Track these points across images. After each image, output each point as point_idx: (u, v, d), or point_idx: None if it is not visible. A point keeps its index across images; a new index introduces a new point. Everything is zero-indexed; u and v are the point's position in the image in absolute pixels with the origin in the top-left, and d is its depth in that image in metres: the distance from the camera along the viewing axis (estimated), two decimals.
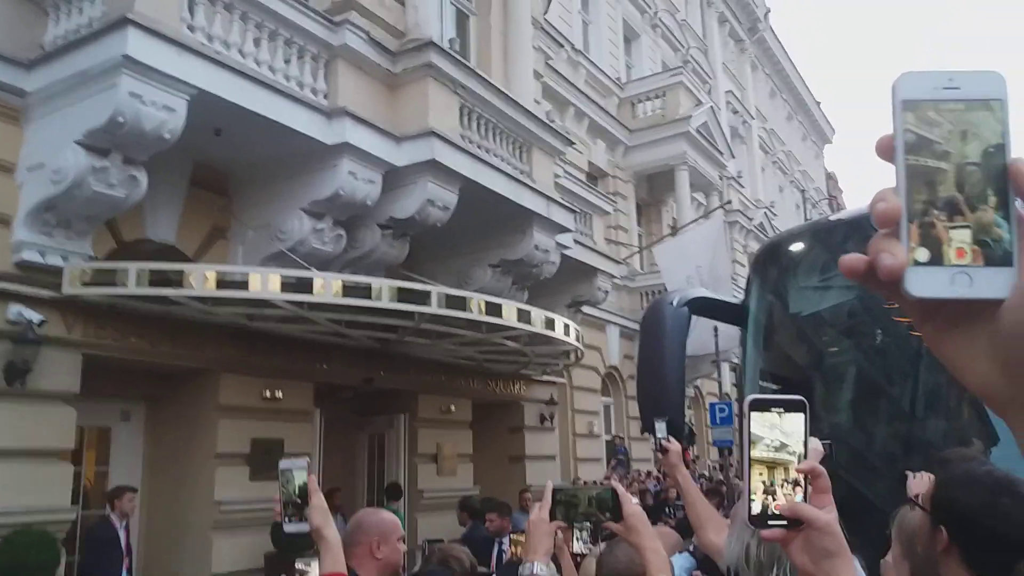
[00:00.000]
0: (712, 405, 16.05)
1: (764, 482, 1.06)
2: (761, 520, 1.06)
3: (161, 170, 7.41)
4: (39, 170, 6.80)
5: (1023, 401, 0.57)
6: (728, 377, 17.73)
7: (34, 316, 6.70)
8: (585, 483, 13.69)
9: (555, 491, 2.05)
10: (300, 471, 2.27)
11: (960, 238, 0.57)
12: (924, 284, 0.57)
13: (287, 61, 8.16)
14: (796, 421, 1.09)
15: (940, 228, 0.57)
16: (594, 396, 15.99)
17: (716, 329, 12.89)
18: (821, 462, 1.09)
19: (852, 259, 0.59)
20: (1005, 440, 3.63)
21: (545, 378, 13.49)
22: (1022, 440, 0.59)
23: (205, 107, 7.03)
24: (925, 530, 1.88)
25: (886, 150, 0.60)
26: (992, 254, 0.57)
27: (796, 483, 1.06)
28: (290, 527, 2.24)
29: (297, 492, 2.24)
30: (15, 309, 6.68)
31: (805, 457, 1.08)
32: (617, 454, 15.32)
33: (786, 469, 1.07)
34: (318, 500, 2.24)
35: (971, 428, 4.15)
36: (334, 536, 2.26)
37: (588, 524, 2.16)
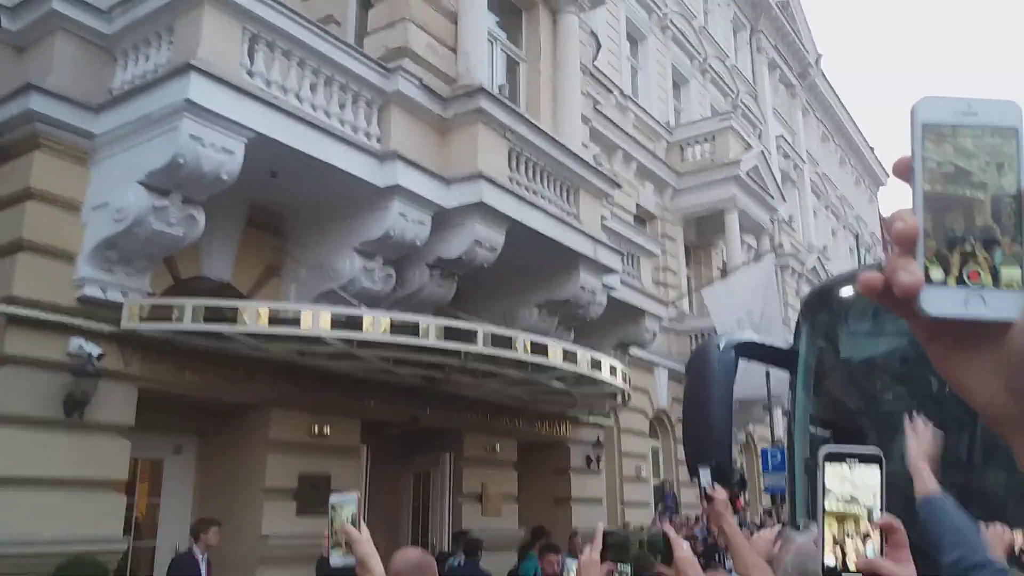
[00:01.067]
0: (764, 451, 15.76)
1: (835, 534, 1.06)
2: (835, 573, 1.05)
3: (218, 210, 7.64)
4: (103, 209, 7.08)
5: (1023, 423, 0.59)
6: (781, 422, 17.36)
7: (94, 350, 6.92)
8: (642, 529, 13.47)
9: (606, 533, 2.06)
10: (349, 505, 2.32)
11: (975, 260, 0.59)
12: (939, 303, 0.58)
13: (342, 106, 8.40)
14: (869, 474, 1.08)
15: (956, 249, 0.59)
16: (642, 439, 15.79)
17: (768, 374, 12.68)
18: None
19: (870, 276, 0.61)
20: None
21: (592, 420, 13.38)
22: (1022, 462, 0.61)
23: (262, 149, 7.26)
24: None
25: (904, 171, 0.62)
26: (1008, 278, 0.58)
27: (866, 536, 1.05)
28: (336, 559, 2.28)
29: (346, 525, 2.30)
30: (76, 342, 6.90)
31: (882, 511, 1.07)
32: (665, 499, 15.06)
33: (856, 522, 1.06)
34: (364, 533, 2.28)
35: None
36: (379, 569, 2.29)
37: (628, 566, 2.16)
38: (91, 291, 7.10)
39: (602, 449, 13.76)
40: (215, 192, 7.19)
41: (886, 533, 1.05)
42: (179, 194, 7.05)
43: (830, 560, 1.06)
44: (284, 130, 7.40)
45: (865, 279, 0.61)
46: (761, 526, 13.25)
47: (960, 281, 0.58)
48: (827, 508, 1.07)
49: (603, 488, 14.10)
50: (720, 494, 2.88)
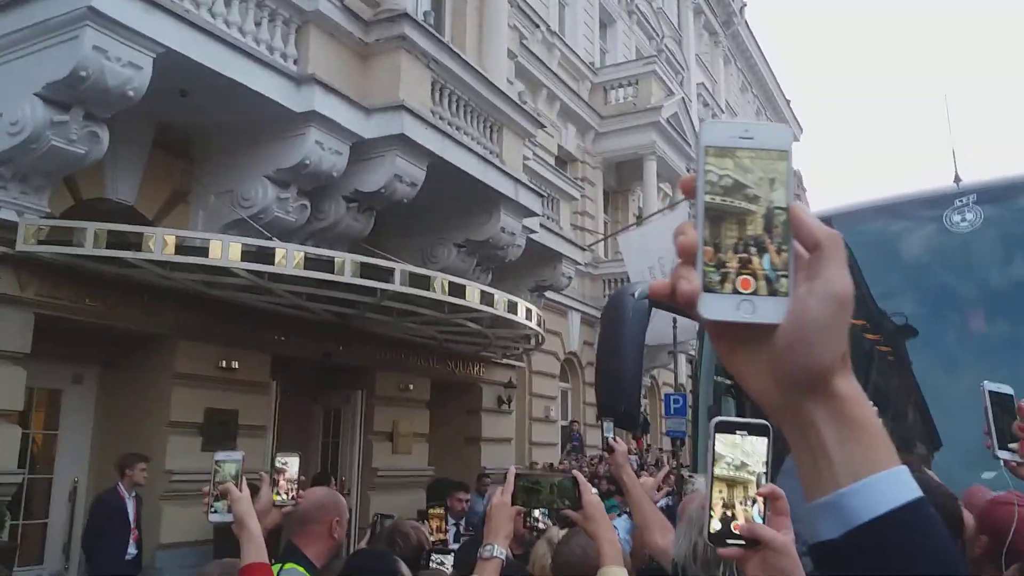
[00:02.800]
0: (667, 396, 16.25)
1: (724, 499, 1.10)
2: (720, 538, 1.09)
3: (123, 129, 7.24)
4: None
5: (792, 409, 0.66)
6: (684, 368, 17.94)
7: None
8: (543, 468, 13.82)
9: (517, 476, 2.08)
10: (233, 463, 2.42)
11: (748, 268, 0.65)
12: (714, 308, 0.65)
13: (258, 24, 8.01)
14: (758, 443, 1.12)
15: (731, 260, 0.65)
16: (552, 381, 16.09)
17: (675, 320, 13.02)
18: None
19: (657, 284, 0.68)
20: (948, 445, 3.74)
21: (505, 361, 13.52)
22: (792, 447, 0.69)
23: (171, 66, 6.88)
24: (971, 532, 2.04)
25: (689, 188, 0.67)
26: (772, 286, 0.65)
27: (753, 501, 1.09)
28: (215, 517, 2.38)
29: (228, 483, 2.37)
30: None
31: (768, 480, 1.11)
32: (572, 439, 15.46)
33: (745, 488, 1.10)
34: (245, 493, 2.36)
35: (915, 432, 4.26)
36: (256, 528, 2.32)
37: (542, 511, 2.20)
38: None
39: (514, 390, 13.96)
40: (120, 109, 6.79)
41: (769, 501, 1.09)
42: (81, 109, 6.63)
43: (716, 524, 1.10)
44: (196, 46, 7.02)
45: (653, 287, 0.68)
46: (657, 465, 13.80)
47: (734, 289, 0.65)
48: (716, 474, 1.11)
49: (513, 429, 14.35)
50: (621, 446, 2.96)
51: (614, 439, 3.14)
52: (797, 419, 0.67)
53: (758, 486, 1.11)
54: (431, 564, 2.86)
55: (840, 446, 0.65)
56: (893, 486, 0.65)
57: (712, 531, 1.09)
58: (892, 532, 0.64)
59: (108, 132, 6.88)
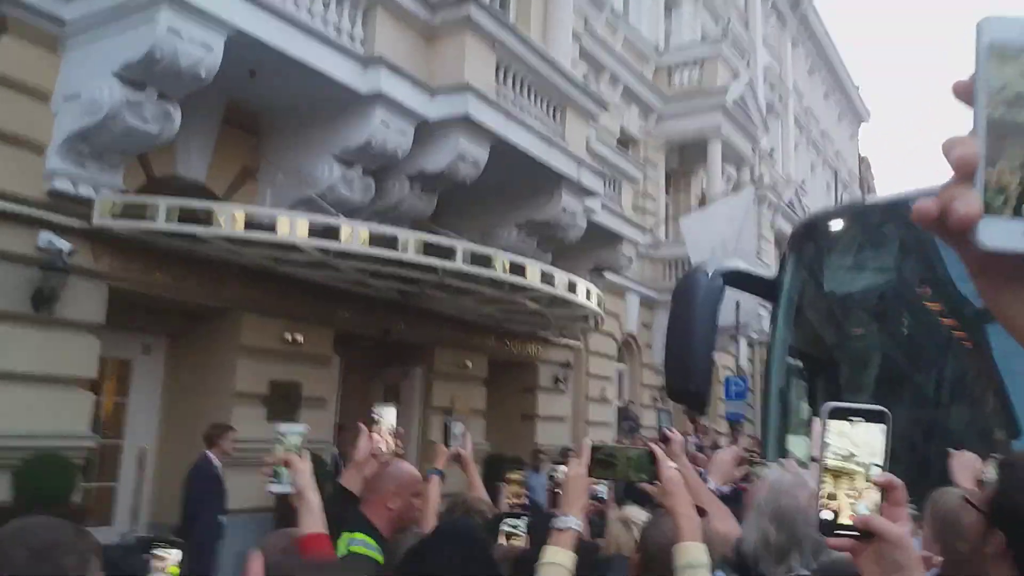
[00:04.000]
0: (727, 379, 16.03)
1: (830, 491, 1.05)
2: (829, 528, 1.05)
3: (195, 108, 7.38)
4: (74, 100, 6.80)
5: None
6: (745, 352, 17.67)
7: (64, 245, 6.74)
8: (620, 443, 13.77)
9: (594, 448, 2.04)
10: (296, 435, 2.41)
11: None
12: (995, 236, 0.56)
13: (326, 5, 8.07)
14: (871, 431, 1.07)
15: (1017, 180, 0.55)
16: (609, 362, 16.00)
17: (738, 303, 12.81)
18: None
19: (925, 204, 0.58)
20: None
21: (562, 341, 13.50)
22: None
23: (241, 47, 6.98)
24: (977, 529, 1.85)
25: (965, 94, 0.57)
26: None
27: (860, 493, 1.05)
28: (275, 487, 2.37)
29: (290, 454, 2.37)
30: (45, 237, 6.72)
31: (884, 469, 1.06)
32: (628, 420, 15.36)
33: (852, 478, 1.06)
34: (304, 465, 2.35)
35: (994, 419, 4.11)
36: (315, 500, 2.32)
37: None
38: (61, 185, 6.87)
39: (570, 370, 13.93)
40: (192, 89, 6.93)
41: (886, 490, 1.04)
42: (155, 89, 6.78)
43: (827, 514, 1.06)
44: (265, 27, 7.11)
45: (920, 207, 0.59)
46: (715, 447, 13.62)
47: (1018, 213, 0.55)
48: (827, 464, 1.07)
49: (569, 408, 14.34)
50: (677, 436, 2.91)
51: (670, 429, 3.09)
52: None
53: (867, 477, 1.06)
54: (502, 528, 2.83)
55: None
56: None
57: (823, 520, 1.05)
58: None
59: (180, 111, 7.03)
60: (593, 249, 12.99)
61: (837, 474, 1.06)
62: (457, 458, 3.66)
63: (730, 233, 14.71)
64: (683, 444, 2.97)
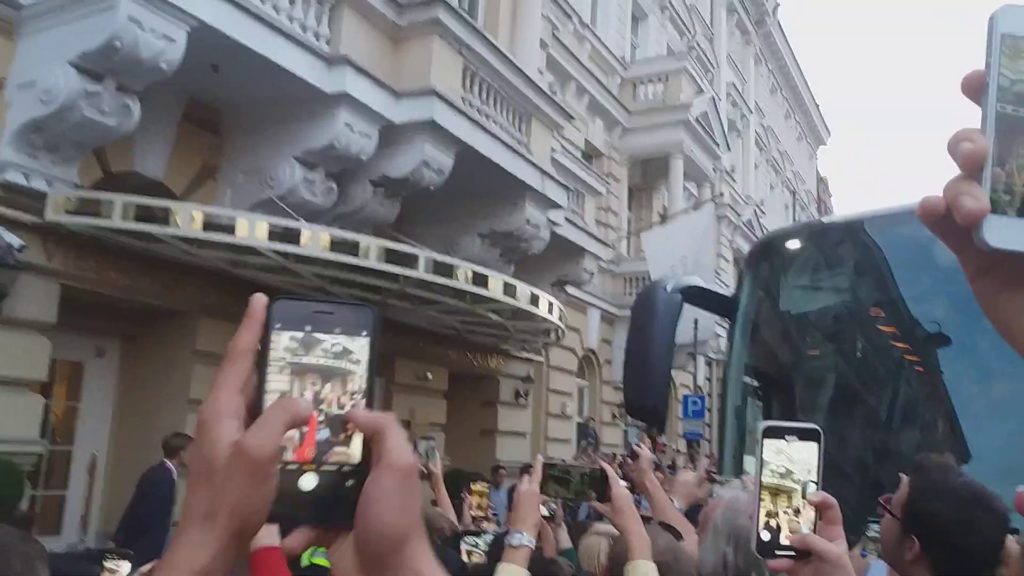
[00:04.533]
0: (686, 397, 16.17)
1: (768, 509, 1.05)
2: (769, 549, 1.05)
3: (154, 102, 7.24)
4: (29, 88, 6.60)
5: None
6: (703, 370, 17.84)
7: (14, 240, 6.52)
8: (563, 463, 13.77)
9: (547, 466, 2.03)
10: None
11: None
12: (1001, 235, 0.53)
13: (292, 2, 7.99)
14: (807, 449, 1.07)
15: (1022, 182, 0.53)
16: (570, 377, 16.02)
17: (696, 321, 12.91)
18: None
19: (932, 199, 0.56)
20: (977, 456, 3.65)
21: (523, 355, 13.48)
22: None
23: (205, 40, 6.86)
24: (894, 537, 1.86)
25: (975, 88, 0.55)
26: None
27: (798, 511, 1.05)
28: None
29: None
30: None
31: (818, 487, 1.06)
32: (588, 436, 15.40)
33: (790, 497, 1.06)
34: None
35: (945, 442, 4.18)
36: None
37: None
38: (13, 177, 6.66)
39: (531, 384, 13.91)
40: (152, 81, 6.80)
41: (820, 510, 1.04)
42: (113, 80, 6.63)
43: (765, 535, 1.05)
44: (229, 21, 7.00)
45: (927, 201, 0.56)
46: (672, 467, 13.71)
47: None
48: (764, 482, 1.06)
49: (529, 423, 14.32)
50: (645, 452, 2.91)
51: (638, 445, 3.10)
52: None
53: (804, 494, 1.06)
54: (462, 546, 2.80)
55: None
56: None
57: (761, 541, 1.05)
58: None
59: (139, 104, 6.88)
60: (556, 262, 13.01)
61: (775, 492, 1.06)
62: (425, 476, 3.63)
63: (690, 250, 14.86)
64: (651, 460, 2.97)
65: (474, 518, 3.61)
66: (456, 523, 3.25)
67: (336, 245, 7.55)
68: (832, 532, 1.04)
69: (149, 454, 7.28)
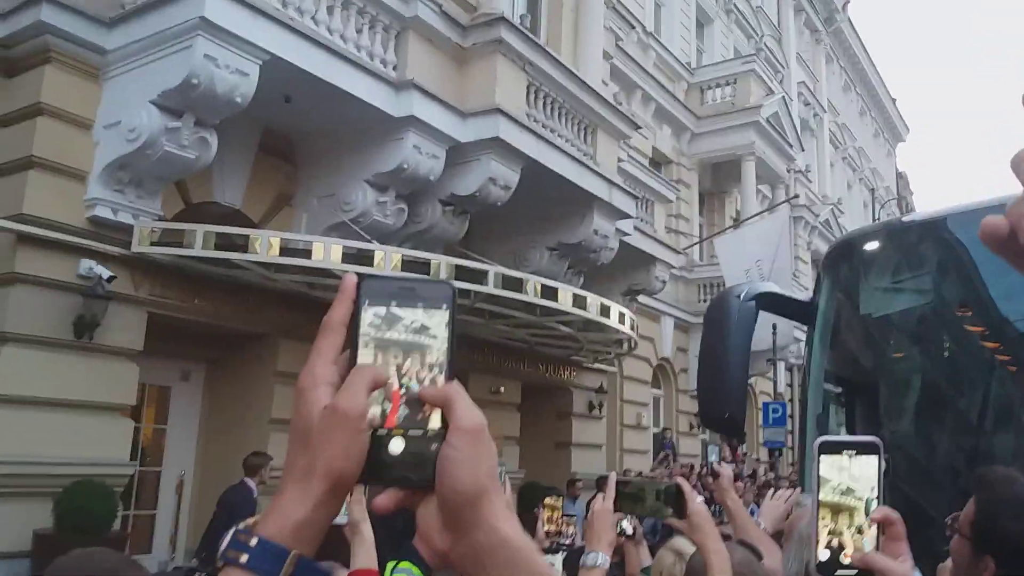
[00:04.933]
0: (766, 405, 15.80)
1: (830, 527, 1.03)
2: (829, 568, 1.02)
3: (231, 134, 7.52)
4: (115, 128, 6.95)
5: None
6: (783, 377, 17.40)
7: (104, 272, 6.88)
8: (640, 476, 13.63)
9: (620, 483, 2.00)
10: None
11: None
12: None
13: (359, 31, 8.19)
14: (867, 464, 1.04)
15: None
16: (644, 387, 15.84)
17: (775, 326, 12.63)
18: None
19: (994, 221, 0.55)
20: None
21: (596, 366, 13.40)
22: None
23: (276, 73, 7.10)
24: (965, 557, 1.77)
25: None
26: None
27: (860, 529, 1.02)
28: None
29: None
30: (87, 264, 6.87)
31: (882, 502, 1.03)
32: (664, 447, 15.19)
33: (852, 514, 1.03)
34: (359, 495, 2.24)
35: None
36: (369, 533, 2.25)
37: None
38: (102, 212, 7.02)
39: (605, 395, 13.81)
40: (228, 115, 7.07)
41: (883, 526, 1.00)
42: (192, 115, 6.92)
43: (823, 554, 1.02)
44: (299, 53, 7.23)
45: (989, 223, 0.55)
46: (753, 476, 13.39)
47: None
48: (822, 499, 1.03)
49: (604, 434, 14.20)
50: (726, 471, 2.85)
51: (719, 463, 3.03)
52: None
53: (867, 511, 1.03)
54: None
55: None
56: None
57: (820, 560, 1.02)
58: None
59: (217, 137, 7.15)
60: (626, 272, 12.92)
61: (837, 509, 1.03)
62: None
63: (765, 254, 14.53)
64: (732, 478, 2.90)
65: (548, 533, 3.58)
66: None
67: (407, 264, 7.69)
68: (896, 549, 1.01)
69: (234, 473, 7.50)
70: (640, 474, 13.76)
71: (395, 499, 0.67)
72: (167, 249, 7.21)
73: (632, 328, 10.54)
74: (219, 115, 7.05)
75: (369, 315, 0.68)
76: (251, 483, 7.08)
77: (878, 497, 1.04)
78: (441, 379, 0.67)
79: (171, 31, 6.71)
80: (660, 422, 16.77)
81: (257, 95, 6.99)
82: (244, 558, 0.62)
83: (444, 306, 0.69)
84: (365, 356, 0.67)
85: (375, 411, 0.66)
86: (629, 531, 3.33)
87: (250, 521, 0.69)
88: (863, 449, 1.06)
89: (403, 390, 0.67)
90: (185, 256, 7.25)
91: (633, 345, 11.59)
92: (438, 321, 0.68)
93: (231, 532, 0.67)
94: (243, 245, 7.21)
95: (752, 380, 18.35)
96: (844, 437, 1.08)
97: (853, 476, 1.04)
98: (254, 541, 0.63)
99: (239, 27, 6.71)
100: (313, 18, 7.66)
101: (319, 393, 0.66)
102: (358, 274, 0.69)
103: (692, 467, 14.37)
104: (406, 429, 0.66)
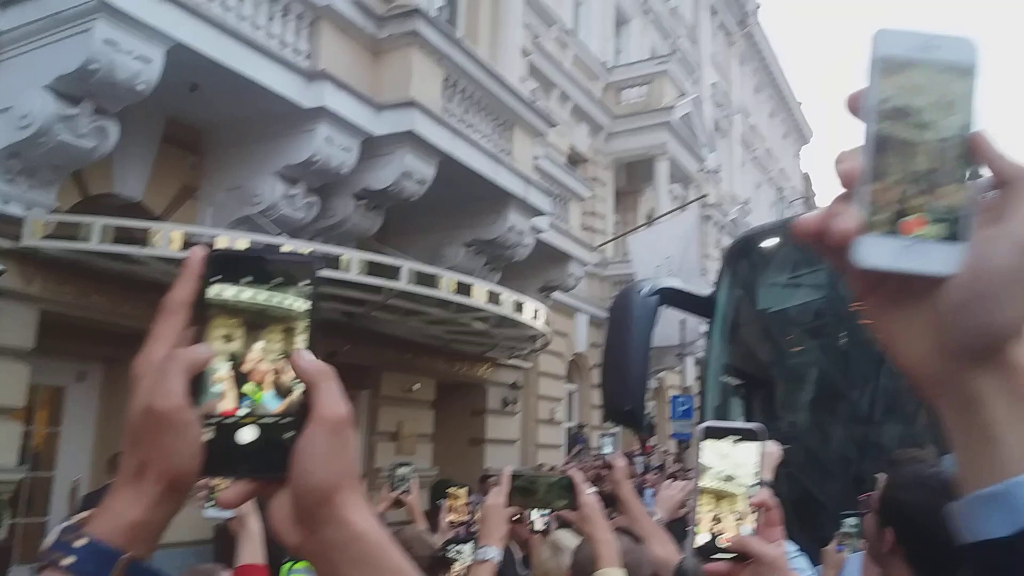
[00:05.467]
0: (674, 398, 16.16)
1: (711, 512, 1.05)
2: (706, 552, 1.05)
3: (133, 123, 7.23)
4: (5, 113, 6.58)
5: (952, 386, 0.56)
6: (692, 371, 17.84)
7: None
8: (544, 468, 13.75)
9: (513, 477, 2.02)
10: None
11: (916, 208, 0.54)
12: (874, 253, 0.54)
13: (270, 18, 8.00)
14: (749, 451, 1.07)
15: (901, 197, 0.54)
16: (558, 383, 16.01)
17: (683, 321, 12.94)
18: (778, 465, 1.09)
19: (806, 219, 0.56)
20: None
21: (511, 362, 13.47)
22: (947, 427, 0.57)
23: (182, 60, 6.86)
24: (872, 530, 1.88)
25: (855, 106, 0.56)
26: (948, 229, 0.54)
27: (741, 516, 1.05)
28: (210, 511, 2.19)
29: None
30: None
31: (761, 485, 1.06)
32: (578, 441, 15.38)
33: (733, 500, 1.05)
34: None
35: (926, 434, 4.20)
36: (256, 527, 2.21)
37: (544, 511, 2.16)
38: None
39: (519, 391, 13.90)
40: (130, 103, 6.79)
41: (760, 511, 1.04)
42: (90, 103, 6.62)
43: (702, 538, 1.05)
44: (206, 40, 7.00)
45: (800, 222, 0.57)
46: (662, 468, 13.69)
47: (897, 231, 0.54)
48: (703, 486, 1.07)
49: (518, 430, 14.29)
50: (620, 462, 2.90)
51: (612, 455, 3.09)
52: (959, 394, 0.55)
53: (748, 497, 1.06)
54: (448, 554, 2.78)
55: (1013, 427, 0.54)
56: None
57: (698, 545, 1.05)
58: None
59: (117, 126, 6.88)
60: (541, 268, 13.01)
61: (719, 496, 1.06)
62: (400, 504, 3.61)
63: (676, 251, 14.89)
64: (626, 470, 2.95)
65: (451, 523, 3.58)
66: (434, 542, 3.21)
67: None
68: (771, 534, 1.04)
69: None
70: (553, 468, 13.92)
71: (243, 492, 0.64)
72: (61, 243, 6.88)
73: (546, 324, 10.63)
74: (120, 103, 6.77)
75: (222, 290, 0.63)
76: None
77: (759, 484, 1.07)
78: (309, 356, 0.64)
79: (68, 13, 6.38)
80: (574, 417, 16.98)
81: (161, 83, 6.74)
82: (69, 560, 0.58)
83: (305, 283, 0.64)
84: (217, 333, 0.63)
85: (216, 396, 0.62)
86: (539, 527, 3.38)
87: (76, 518, 0.64)
88: (746, 435, 1.08)
89: (260, 367, 0.63)
90: (81, 250, 6.94)
91: (547, 341, 11.70)
92: (300, 296, 0.64)
93: (56, 531, 0.62)
94: (143, 239, 6.95)
95: (662, 374, 18.79)
96: (727, 423, 1.11)
97: (735, 463, 1.07)
98: (82, 541, 0.59)
99: (142, 11, 6.44)
100: (222, 3, 7.44)
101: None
102: (209, 248, 0.64)
103: (603, 461, 14.59)
104: (258, 416, 0.62)
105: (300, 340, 0.64)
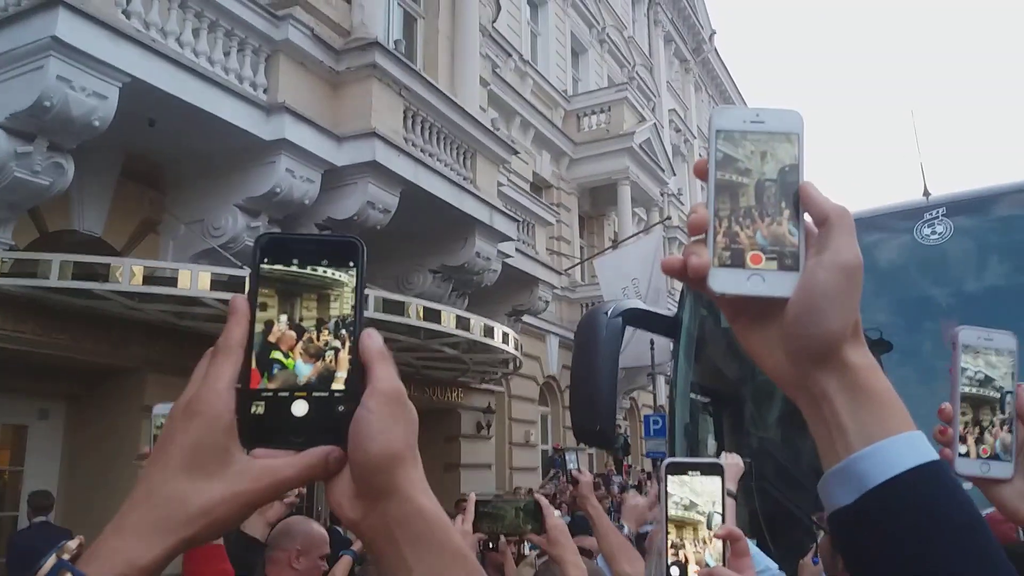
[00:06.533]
0: (647, 417, 16.21)
1: (675, 541, 1.08)
2: None
3: (90, 159, 7.16)
4: None
5: (805, 382, 0.67)
6: (663, 390, 17.94)
7: None
8: (518, 493, 13.68)
9: (479, 503, 2.01)
10: None
11: (757, 245, 0.66)
12: (724, 282, 0.65)
13: (227, 53, 7.98)
14: (711, 483, 1.11)
15: (741, 236, 0.66)
16: (532, 405, 16.00)
17: (652, 342, 13.02)
18: (741, 477, 1.12)
19: (670, 259, 0.68)
20: None
21: (483, 386, 13.43)
22: (807, 420, 0.69)
23: (139, 96, 6.82)
24: (827, 550, 1.88)
25: (702, 171, 0.69)
26: (782, 260, 0.65)
27: (704, 542, 1.08)
28: None
29: None
30: None
31: (723, 521, 1.09)
32: (555, 464, 15.35)
33: (695, 528, 1.09)
34: None
35: None
36: None
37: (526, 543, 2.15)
38: None
39: (493, 415, 13.85)
40: (86, 139, 6.71)
41: (728, 542, 1.07)
42: (45, 140, 6.54)
43: (675, 570, 1.09)
44: (163, 75, 6.97)
45: (666, 262, 0.69)
46: (639, 487, 13.70)
47: (744, 263, 0.65)
48: (670, 515, 1.10)
49: (493, 454, 14.24)
50: (586, 477, 2.91)
51: (578, 470, 3.10)
52: (810, 392, 0.67)
53: (709, 524, 1.08)
54: None
55: (853, 415, 0.65)
56: (907, 449, 0.63)
57: (671, 574, 1.07)
58: (907, 494, 0.62)
59: (73, 163, 6.79)
60: (510, 293, 13.05)
61: (680, 524, 1.08)
62: None
63: (641, 273, 15.02)
64: (591, 484, 2.96)
65: None
66: None
67: None
68: (741, 564, 1.06)
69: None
70: (529, 491, 13.86)
71: (304, 470, 0.62)
72: (18, 280, 6.76)
73: (517, 348, 10.63)
74: (76, 139, 6.69)
75: (269, 271, 0.65)
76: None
77: (721, 513, 1.10)
78: (377, 337, 0.66)
79: (21, 50, 6.31)
80: (548, 439, 16.95)
81: (118, 118, 6.68)
82: None
83: (351, 264, 0.67)
84: (268, 311, 0.65)
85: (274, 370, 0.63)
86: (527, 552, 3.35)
87: (72, 546, 0.59)
88: (706, 470, 1.13)
89: (309, 344, 0.64)
90: (39, 287, 6.82)
91: (519, 364, 11.70)
92: (346, 277, 0.67)
93: (49, 561, 0.57)
94: (104, 274, 6.84)
95: (635, 394, 18.86)
96: (688, 459, 1.15)
97: (695, 491, 1.10)
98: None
99: (96, 48, 6.39)
100: (178, 40, 7.41)
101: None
102: (265, 235, 0.66)
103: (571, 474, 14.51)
104: (310, 391, 0.63)
105: (346, 317, 0.66)
